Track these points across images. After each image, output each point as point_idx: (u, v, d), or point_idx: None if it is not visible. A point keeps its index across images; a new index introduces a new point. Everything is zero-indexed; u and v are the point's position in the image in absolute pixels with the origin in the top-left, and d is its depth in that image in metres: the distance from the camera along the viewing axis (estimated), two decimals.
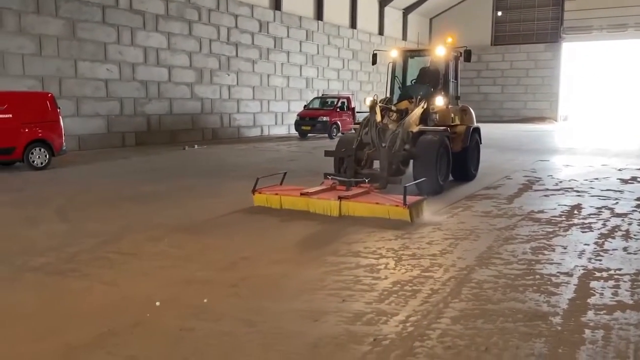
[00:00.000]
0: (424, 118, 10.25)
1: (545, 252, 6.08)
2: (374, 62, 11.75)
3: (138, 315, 4.27)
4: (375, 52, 11.99)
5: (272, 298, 4.67)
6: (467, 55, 11.07)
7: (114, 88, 19.02)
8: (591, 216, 7.93)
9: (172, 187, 10.46)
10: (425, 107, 10.33)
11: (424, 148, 9.43)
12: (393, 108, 10.28)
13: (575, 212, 8.25)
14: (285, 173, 9.13)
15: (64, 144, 13.82)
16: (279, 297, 4.71)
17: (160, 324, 4.12)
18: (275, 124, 26.76)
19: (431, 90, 10.82)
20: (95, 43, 18.23)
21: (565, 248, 6.24)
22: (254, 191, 8.36)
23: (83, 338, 3.85)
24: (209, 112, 23.00)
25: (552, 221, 7.60)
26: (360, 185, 8.55)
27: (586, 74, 40.72)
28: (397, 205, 7.29)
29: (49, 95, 13.70)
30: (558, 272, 5.33)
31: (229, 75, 23.60)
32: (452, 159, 10.33)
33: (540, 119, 37.39)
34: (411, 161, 9.67)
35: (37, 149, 13.10)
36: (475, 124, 11.83)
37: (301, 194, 7.96)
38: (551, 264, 5.64)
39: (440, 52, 10.87)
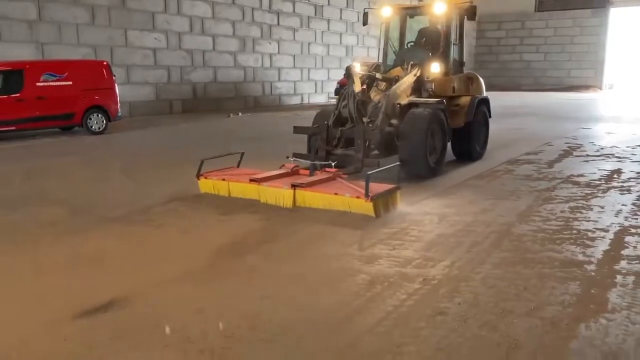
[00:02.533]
0: (418, 88, 8.91)
1: (583, 211, 6.40)
2: (365, 22, 10.04)
3: (211, 257, 4.86)
4: (366, 10, 10.27)
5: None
6: (471, 13, 9.51)
7: (161, 57, 19.69)
8: (630, 180, 8.15)
9: (223, 152, 11.05)
10: (418, 74, 8.89)
11: (411, 124, 7.89)
12: (378, 76, 8.89)
13: (615, 176, 8.47)
14: (242, 153, 7.80)
15: (119, 110, 14.60)
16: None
17: (232, 264, 4.69)
18: (315, 92, 27.13)
19: (429, 55, 9.33)
20: (144, 13, 18.86)
21: (602, 208, 6.54)
22: (198, 176, 7.14)
23: (170, 275, 4.45)
24: (251, 80, 23.52)
25: (591, 184, 7.87)
26: (325, 170, 7.15)
27: (634, 41, 39.43)
28: (358, 197, 5.99)
29: (105, 63, 14.45)
30: (594, 228, 5.68)
31: (270, 43, 24.00)
32: (454, 136, 9.29)
33: (584, 87, 36.60)
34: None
35: (95, 114, 13.91)
36: (484, 95, 10.32)
37: (250, 180, 6.69)
38: (588, 221, 5.98)
39: (439, 9, 9.22)
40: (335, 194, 6.20)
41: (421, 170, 7.97)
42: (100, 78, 14.06)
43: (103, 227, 5.85)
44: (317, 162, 7.37)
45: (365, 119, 8.06)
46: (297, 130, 8.47)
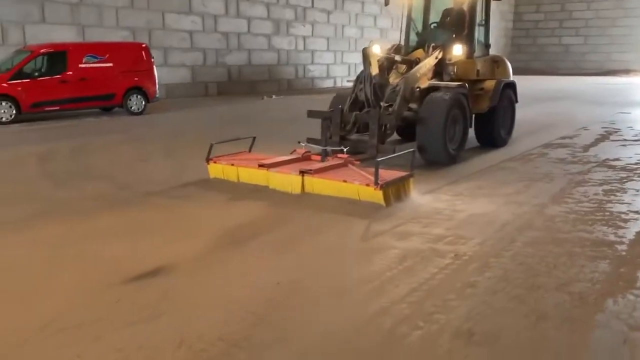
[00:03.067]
0: (439, 71, 8.59)
1: (617, 194, 6.41)
2: (387, 1, 9.35)
3: (249, 230, 5.09)
4: None
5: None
6: None
7: (197, 39, 20.00)
8: None
9: (259, 132, 11.28)
10: (440, 57, 8.57)
11: (430, 109, 7.62)
12: (397, 58, 8.54)
13: None
14: (254, 138, 7.53)
15: (158, 91, 14.97)
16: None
17: (270, 238, 4.91)
18: (349, 75, 27.09)
19: (452, 36, 8.96)
20: None
21: (637, 191, 6.53)
22: (207, 160, 6.98)
23: (208, 245, 4.71)
24: (284, 63, 23.68)
25: (627, 168, 7.82)
26: (336, 156, 6.90)
27: None
28: (367, 185, 5.75)
29: (144, 45, 14.83)
30: (628, 211, 5.70)
31: (304, 26, 24.07)
32: (477, 121, 9.08)
33: (625, 71, 35.57)
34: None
35: (135, 95, 14.32)
36: (510, 78, 9.83)
37: (259, 166, 6.51)
38: (622, 204, 5.99)
39: None
40: (344, 181, 5.93)
41: (440, 158, 7.69)
42: (140, 60, 14.44)
43: (145, 201, 6.15)
44: (329, 148, 7.08)
45: (382, 103, 7.66)
46: (311, 114, 8.04)
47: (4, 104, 12.36)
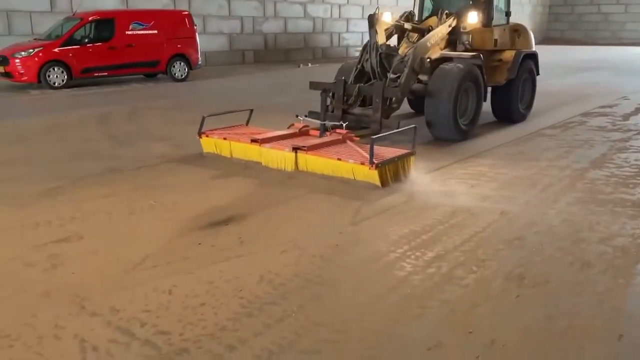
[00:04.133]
0: (453, 41, 8.17)
1: None
2: None
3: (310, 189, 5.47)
4: None
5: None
6: None
7: (235, 7, 20.24)
8: None
9: (297, 99, 11.62)
10: (453, 25, 8.07)
11: (440, 81, 7.15)
12: (407, 26, 8.05)
13: None
14: (251, 110, 7.28)
15: (200, 58, 15.36)
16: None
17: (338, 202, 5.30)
18: None
19: (469, 3, 8.44)
20: None
21: None
22: (200, 134, 6.71)
23: (275, 200, 5.11)
24: (319, 31, 23.77)
25: None
26: (335, 131, 6.52)
27: None
28: (362, 164, 5.38)
29: (187, 13, 15.16)
30: None
31: None
32: (494, 95, 8.66)
33: None
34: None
35: (178, 62, 14.74)
36: (532, 49, 9.28)
37: (252, 141, 6.19)
38: None
39: None
40: (339, 159, 5.58)
41: (449, 133, 7.28)
42: (183, 27, 14.81)
43: (202, 160, 6.56)
44: (327, 122, 6.67)
45: (390, 75, 7.28)
46: (314, 85, 7.63)
47: (56, 69, 12.89)
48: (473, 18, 8.15)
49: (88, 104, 11.08)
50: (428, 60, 7.37)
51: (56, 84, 12.88)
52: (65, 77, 13.03)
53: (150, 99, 11.74)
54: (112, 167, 6.21)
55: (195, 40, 15.08)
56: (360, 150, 5.77)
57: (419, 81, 7.47)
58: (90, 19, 13.58)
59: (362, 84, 7.32)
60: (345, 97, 7.24)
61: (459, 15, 8.15)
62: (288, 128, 6.70)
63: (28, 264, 3.71)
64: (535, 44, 9.66)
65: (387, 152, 5.71)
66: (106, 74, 13.74)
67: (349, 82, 7.37)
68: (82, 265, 3.71)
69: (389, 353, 2.74)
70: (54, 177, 5.76)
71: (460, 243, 4.10)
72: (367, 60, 7.51)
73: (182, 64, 14.79)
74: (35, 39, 13.88)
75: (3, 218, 4.56)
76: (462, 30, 8.15)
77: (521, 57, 8.64)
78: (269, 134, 6.46)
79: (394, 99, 6.99)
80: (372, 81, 7.31)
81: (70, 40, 13.13)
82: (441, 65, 7.42)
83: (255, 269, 3.66)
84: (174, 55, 14.61)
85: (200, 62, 15.44)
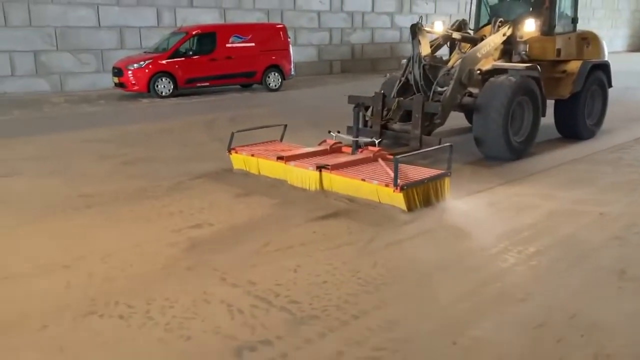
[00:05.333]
0: (509, 51, 7.61)
1: None
2: None
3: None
4: None
5: None
6: None
7: (325, 19, 20.96)
8: None
9: None
10: (509, 34, 7.50)
11: (489, 95, 6.60)
12: (455, 35, 7.59)
13: None
14: (285, 126, 7.09)
15: (292, 69, 16.11)
16: None
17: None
18: None
19: (529, 9, 7.86)
20: None
21: None
22: (229, 150, 6.54)
23: None
24: (406, 41, 24.00)
25: None
26: (367, 149, 6.09)
27: None
28: (387, 185, 4.98)
29: (282, 26, 15.96)
30: None
31: (427, 4, 24.22)
32: (558, 109, 8.05)
33: None
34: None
35: (272, 73, 15.53)
36: (603, 59, 8.49)
37: (278, 158, 5.93)
38: None
39: None
40: (363, 179, 5.21)
41: (499, 152, 6.72)
42: (278, 40, 15.61)
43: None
44: (360, 139, 6.25)
45: (437, 88, 6.85)
46: (352, 99, 7.18)
47: (164, 79, 14.01)
48: (530, 26, 7.51)
49: (193, 112, 12.00)
50: (478, 72, 6.96)
51: (163, 93, 13.99)
52: (172, 87, 14.12)
53: (248, 107, 12.52)
54: (223, 167, 6.82)
55: (289, 52, 15.84)
56: (390, 171, 5.25)
57: (470, 95, 6.93)
58: (194, 33, 14.64)
59: (402, 98, 6.91)
60: (385, 112, 6.89)
61: (516, 23, 7.58)
62: (319, 144, 6.43)
63: (170, 244, 4.31)
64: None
65: (419, 172, 5.29)
66: (207, 84, 14.74)
67: (392, 96, 6.98)
68: (215, 246, 4.27)
69: (496, 327, 3.05)
70: (176, 174, 6.45)
71: (559, 240, 4.30)
72: (411, 72, 7.12)
73: (276, 74, 15.58)
74: (144, 52, 15.14)
75: (143, 208, 5.24)
76: (518, 39, 7.59)
77: (588, 68, 7.94)
78: (297, 150, 6.24)
79: (436, 113, 6.55)
80: (417, 95, 6.87)
81: (176, 53, 14.22)
82: (492, 78, 6.89)
83: (367, 256, 4.06)
84: (269, 66, 15.42)
85: (293, 73, 16.18)
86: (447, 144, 5.48)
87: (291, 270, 3.80)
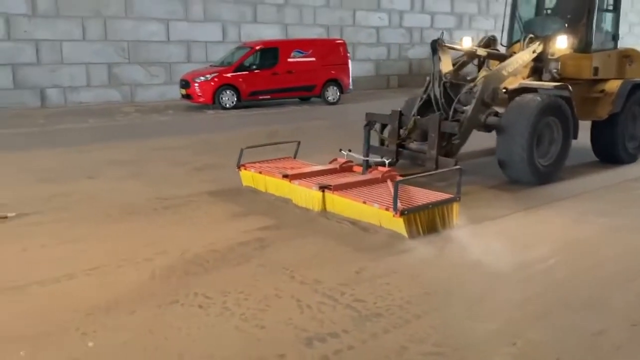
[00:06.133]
0: (540, 69, 7.28)
1: None
2: None
3: None
4: None
5: None
6: None
7: (383, 35, 21.25)
8: None
9: None
10: (538, 51, 7.15)
11: (513, 115, 6.26)
12: (480, 52, 7.26)
13: None
14: (299, 143, 6.88)
15: (350, 83, 16.43)
16: None
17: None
18: None
19: (564, 25, 7.48)
20: None
21: None
22: (239, 166, 6.41)
23: None
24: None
25: None
26: (377, 169, 5.86)
27: None
28: (387, 209, 4.71)
29: (342, 42, 16.37)
30: None
31: (487, 19, 24.12)
32: (595, 131, 7.58)
33: None
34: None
35: (331, 87, 15.91)
36: None
37: (283, 176, 5.79)
38: None
39: None
40: (364, 202, 4.98)
41: (523, 175, 6.37)
42: (337, 55, 16.01)
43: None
44: (371, 159, 6.12)
45: (460, 107, 6.54)
46: (369, 116, 6.96)
47: (228, 92, 14.60)
48: (562, 43, 7.12)
49: (255, 123, 12.47)
50: (504, 90, 6.67)
51: (227, 105, 14.58)
52: (235, 99, 14.69)
53: (308, 120, 12.89)
54: None
55: (348, 66, 16.19)
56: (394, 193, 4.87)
57: (496, 114, 6.53)
58: (257, 48, 15.22)
59: (419, 116, 6.59)
60: (403, 131, 6.59)
61: (547, 39, 7.22)
62: (330, 163, 6.28)
63: (241, 243, 4.62)
64: None
65: (425, 196, 5.04)
66: (269, 97, 15.24)
67: (412, 114, 6.68)
68: (283, 247, 4.55)
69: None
70: None
71: (619, 253, 4.35)
72: (432, 90, 6.81)
73: (334, 88, 15.94)
74: (210, 66, 15.81)
75: (215, 210, 5.60)
76: (549, 56, 7.21)
77: (629, 87, 7.41)
78: (305, 169, 6.09)
79: (455, 133, 6.26)
80: (437, 113, 6.48)
81: (240, 67, 14.81)
82: (517, 98, 6.55)
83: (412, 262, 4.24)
84: (328, 80, 15.81)
85: (351, 87, 16.51)
86: (457, 166, 5.35)
87: (354, 272, 4.02)
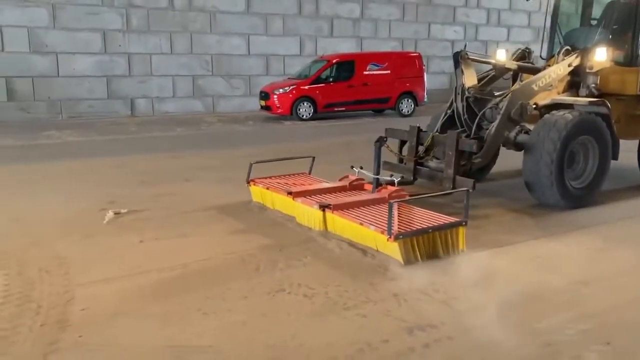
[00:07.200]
0: (577, 83, 6.74)
1: None
2: None
3: None
4: None
5: None
6: None
7: (458, 48, 21.17)
8: None
9: None
10: (575, 64, 6.62)
11: (541, 133, 5.83)
12: (510, 65, 6.84)
13: None
14: (313, 158, 6.71)
15: (426, 96, 16.56)
16: None
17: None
18: None
19: (608, 37, 6.91)
20: (446, 7, 20.61)
21: None
22: (248, 181, 6.25)
23: None
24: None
25: None
26: (385, 187, 5.60)
27: None
28: (383, 232, 4.41)
29: (417, 54, 16.56)
30: None
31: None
32: None
33: None
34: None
35: (406, 99, 16.11)
36: None
37: (288, 193, 5.60)
38: None
39: None
40: (361, 224, 4.70)
41: (552, 199, 5.88)
42: (412, 68, 16.21)
43: None
44: (381, 177, 5.73)
45: (485, 123, 6.18)
46: (389, 132, 6.65)
47: (305, 104, 15.10)
48: (601, 55, 6.55)
49: (331, 134, 12.83)
50: (534, 106, 6.26)
51: (304, 116, 15.06)
52: (312, 110, 15.16)
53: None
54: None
55: (423, 79, 16.35)
56: (396, 216, 4.63)
57: (527, 132, 6.15)
58: (334, 61, 15.65)
59: (437, 133, 6.29)
60: (424, 148, 6.27)
61: (585, 52, 6.68)
62: (340, 180, 6.03)
63: (336, 243, 4.90)
64: None
65: (429, 219, 4.72)
66: (344, 109, 15.63)
67: (435, 130, 6.39)
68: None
69: None
70: None
71: None
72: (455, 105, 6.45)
73: (409, 100, 16.14)
74: (288, 78, 16.39)
75: None
76: (587, 70, 6.65)
77: None
78: (312, 186, 5.88)
79: (475, 151, 5.85)
80: (460, 130, 6.17)
81: (317, 80, 15.28)
82: (547, 115, 6.09)
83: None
84: (403, 93, 16.02)
85: (426, 100, 16.63)
86: (464, 188, 5.04)
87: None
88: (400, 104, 16.09)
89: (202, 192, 6.90)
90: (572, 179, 6.04)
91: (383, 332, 3.30)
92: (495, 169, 7.53)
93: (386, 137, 5.92)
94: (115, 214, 5.75)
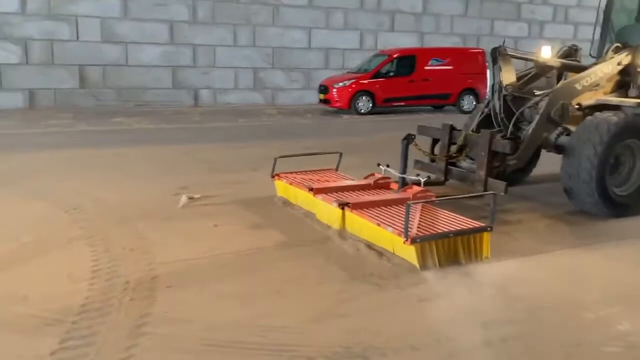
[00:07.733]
0: (627, 83, 6.35)
1: None
2: None
3: None
4: None
5: None
6: None
7: (521, 45, 20.66)
8: None
9: None
10: (625, 63, 6.23)
11: (582, 135, 5.45)
12: (552, 62, 6.37)
13: None
14: (341, 154, 6.54)
15: (488, 93, 16.27)
16: None
17: None
18: None
19: None
20: (511, 3, 20.18)
21: None
22: (273, 176, 6.16)
23: None
24: None
25: None
26: (412, 187, 5.37)
27: None
28: (400, 235, 4.19)
29: (481, 51, 16.29)
30: None
31: None
32: None
33: None
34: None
35: (467, 96, 15.91)
36: None
37: (309, 189, 5.46)
38: None
39: None
40: (378, 224, 4.51)
41: (592, 206, 5.49)
42: (475, 64, 15.97)
43: None
44: (408, 177, 5.50)
45: (525, 123, 5.87)
46: (421, 130, 6.45)
47: (364, 98, 15.14)
48: None
49: (390, 129, 12.77)
50: (577, 107, 5.93)
51: (362, 110, 15.11)
52: (370, 105, 15.18)
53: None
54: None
55: (486, 76, 16.02)
56: (416, 218, 4.52)
57: (569, 133, 5.74)
58: (395, 55, 15.60)
59: (471, 132, 6.05)
60: (456, 147, 6.02)
61: (637, 50, 6.27)
62: (365, 178, 5.87)
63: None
64: None
65: (452, 223, 4.48)
66: (403, 103, 15.58)
67: (471, 129, 6.16)
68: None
69: None
70: None
71: None
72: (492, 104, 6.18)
73: (471, 97, 15.92)
74: (347, 72, 16.45)
75: None
76: (639, 69, 6.29)
77: None
78: (336, 182, 5.81)
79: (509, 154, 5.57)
80: (497, 129, 5.88)
81: (377, 74, 15.28)
82: (589, 116, 5.73)
83: None
84: (464, 89, 15.81)
85: (487, 97, 16.34)
86: (491, 191, 4.83)
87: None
88: (462, 101, 15.90)
89: (270, 181, 7.06)
90: (616, 186, 5.63)
91: (457, 326, 3.34)
92: (535, 171, 7.11)
93: (414, 135, 5.69)
94: (189, 198, 5.99)
